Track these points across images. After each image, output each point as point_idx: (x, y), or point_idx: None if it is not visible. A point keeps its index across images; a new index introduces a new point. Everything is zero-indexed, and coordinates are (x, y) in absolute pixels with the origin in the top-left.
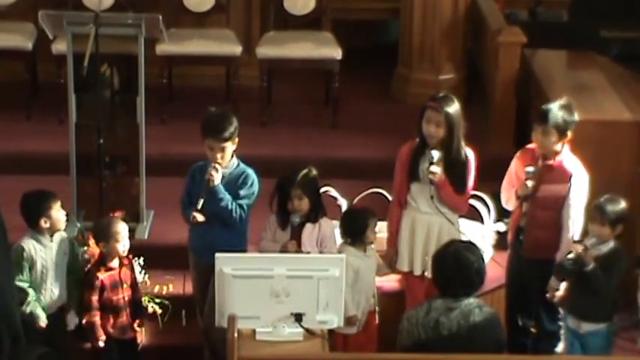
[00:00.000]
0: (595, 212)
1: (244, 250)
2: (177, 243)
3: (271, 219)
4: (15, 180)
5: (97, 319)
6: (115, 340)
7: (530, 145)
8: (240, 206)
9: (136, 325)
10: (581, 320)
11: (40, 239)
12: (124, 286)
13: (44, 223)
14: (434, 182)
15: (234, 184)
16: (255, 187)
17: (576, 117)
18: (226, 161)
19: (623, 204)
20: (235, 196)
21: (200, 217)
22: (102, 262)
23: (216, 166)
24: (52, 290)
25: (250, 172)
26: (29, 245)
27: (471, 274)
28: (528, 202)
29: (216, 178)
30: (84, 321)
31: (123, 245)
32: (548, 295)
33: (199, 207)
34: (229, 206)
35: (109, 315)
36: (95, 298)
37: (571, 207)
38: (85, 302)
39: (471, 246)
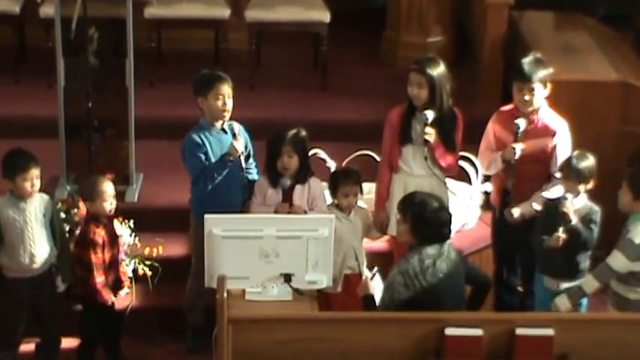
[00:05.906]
0: (564, 168)
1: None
2: (166, 205)
3: (260, 182)
4: (3, 144)
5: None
6: (94, 302)
7: (505, 107)
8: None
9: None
10: (558, 279)
11: (13, 201)
12: (105, 248)
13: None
14: (429, 143)
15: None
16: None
17: (550, 70)
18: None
19: (590, 160)
20: None
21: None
22: (94, 219)
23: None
24: (32, 252)
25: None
26: (0, 206)
27: (446, 217)
28: (514, 166)
29: (239, 147)
30: (98, 281)
31: (110, 204)
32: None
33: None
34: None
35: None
36: (96, 255)
37: (558, 160)
38: (86, 261)
39: (429, 194)
